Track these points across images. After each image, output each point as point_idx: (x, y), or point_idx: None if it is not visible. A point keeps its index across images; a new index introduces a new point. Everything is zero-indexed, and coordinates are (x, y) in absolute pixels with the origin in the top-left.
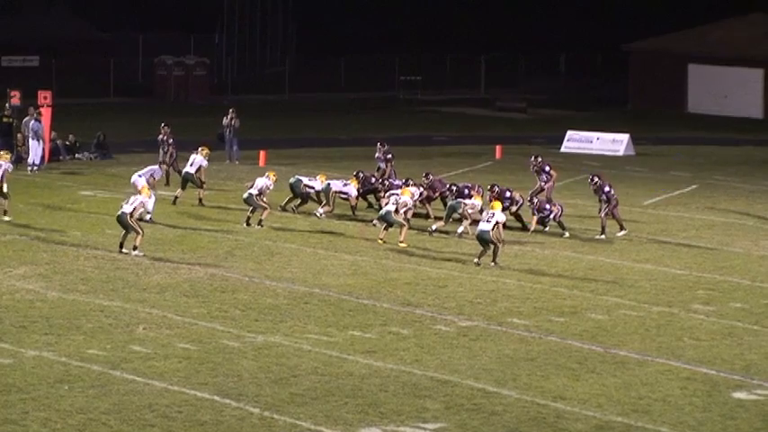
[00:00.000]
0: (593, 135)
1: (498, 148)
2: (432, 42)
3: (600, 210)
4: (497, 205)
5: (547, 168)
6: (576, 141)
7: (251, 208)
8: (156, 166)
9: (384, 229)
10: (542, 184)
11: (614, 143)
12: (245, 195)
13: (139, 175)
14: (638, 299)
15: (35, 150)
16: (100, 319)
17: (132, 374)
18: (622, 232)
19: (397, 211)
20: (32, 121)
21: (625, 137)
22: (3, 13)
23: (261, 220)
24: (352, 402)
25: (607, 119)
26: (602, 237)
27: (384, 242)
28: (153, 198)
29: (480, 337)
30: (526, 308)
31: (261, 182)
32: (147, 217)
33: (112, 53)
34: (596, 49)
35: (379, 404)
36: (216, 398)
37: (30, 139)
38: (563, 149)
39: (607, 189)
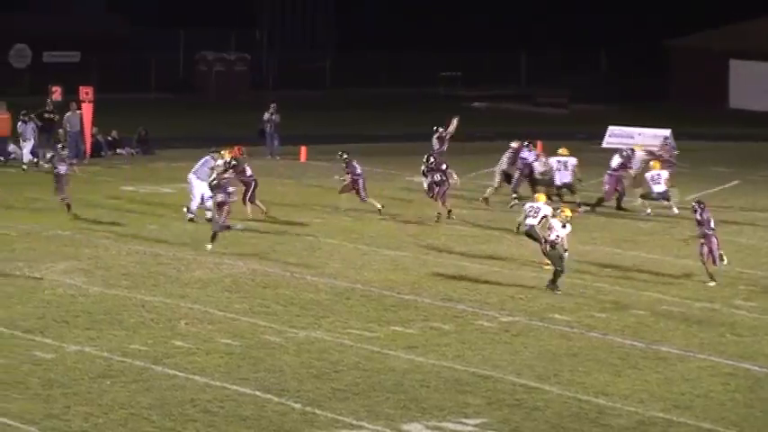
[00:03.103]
0: (635, 131)
1: (539, 144)
2: (472, 38)
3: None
4: (542, 197)
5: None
6: (618, 137)
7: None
8: (208, 156)
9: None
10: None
11: (655, 138)
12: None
13: (194, 173)
14: (679, 294)
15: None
16: (142, 314)
17: (174, 369)
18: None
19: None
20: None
21: (667, 132)
22: (44, 9)
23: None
24: (394, 398)
25: (648, 114)
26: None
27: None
28: (198, 197)
29: (522, 333)
30: (568, 303)
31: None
32: (189, 216)
33: (153, 49)
34: (638, 45)
35: (420, 399)
36: (258, 393)
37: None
38: (605, 145)
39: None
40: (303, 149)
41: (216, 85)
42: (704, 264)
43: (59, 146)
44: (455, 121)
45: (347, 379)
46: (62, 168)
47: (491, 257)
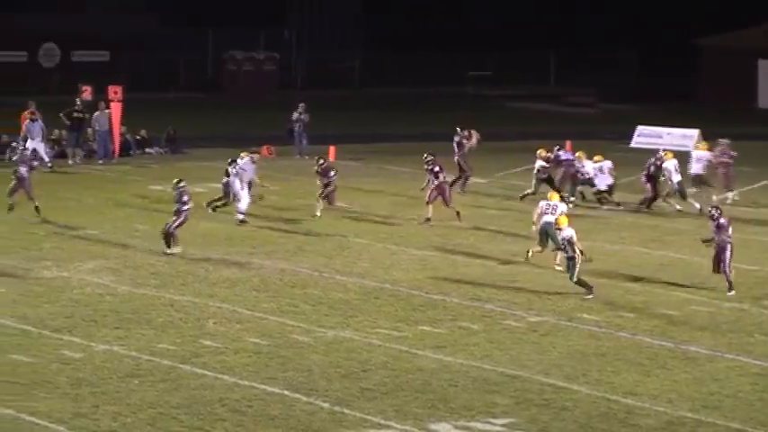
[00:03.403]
0: (664, 130)
1: (568, 143)
2: (501, 37)
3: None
4: (556, 196)
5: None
6: (647, 136)
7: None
8: (248, 158)
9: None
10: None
11: (684, 138)
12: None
13: (236, 175)
14: (708, 295)
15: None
16: (170, 313)
17: (202, 369)
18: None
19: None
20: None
21: (695, 132)
22: (73, 9)
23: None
24: (422, 397)
25: (677, 114)
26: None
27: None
28: (246, 198)
29: (550, 333)
30: (596, 303)
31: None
32: (241, 218)
33: (182, 48)
34: (667, 45)
35: (448, 399)
36: (286, 392)
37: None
38: (633, 144)
39: (724, 221)
40: (332, 149)
41: (244, 85)
42: (727, 273)
43: (21, 147)
44: (475, 137)
45: (375, 378)
46: (23, 170)
47: (519, 257)
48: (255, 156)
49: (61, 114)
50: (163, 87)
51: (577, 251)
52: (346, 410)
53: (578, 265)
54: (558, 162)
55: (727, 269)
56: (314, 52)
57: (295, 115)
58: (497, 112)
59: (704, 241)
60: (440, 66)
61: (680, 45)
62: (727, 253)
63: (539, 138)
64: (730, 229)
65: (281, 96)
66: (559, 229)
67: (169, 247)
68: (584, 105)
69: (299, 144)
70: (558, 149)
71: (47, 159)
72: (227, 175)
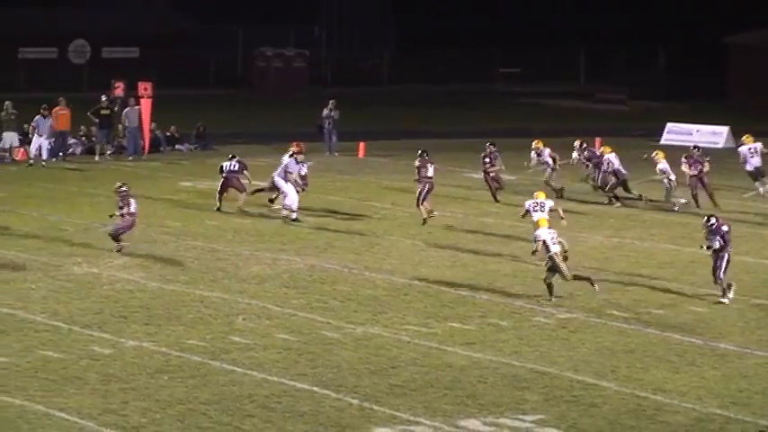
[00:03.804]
0: (693, 127)
1: (597, 140)
2: (531, 34)
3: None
4: (543, 194)
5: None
6: (676, 133)
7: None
8: (290, 159)
9: None
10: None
11: (714, 135)
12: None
13: (278, 176)
14: (737, 291)
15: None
16: (199, 309)
17: (232, 365)
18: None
19: None
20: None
21: (725, 129)
22: (103, 5)
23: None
24: (451, 394)
25: (707, 111)
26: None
27: None
28: (293, 194)
29: (579, 329)
30: (625, 300)
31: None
32: (293, 216)
33: (212, 45)
34: (697, 42)
35: (477, 396)
36: (315, 389)
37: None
38: (663, 141)
39: (726, 229)
40: (361, 145)
41: (274, 81)
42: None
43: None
44: (498, 165)
45: (405, 375)
46: None
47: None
48: (299, 155)
49: (89, 113)
50: (193, 84)
51: (554, 252)
52: (375, 407)
53: (559, 267)
54: (588, 160)
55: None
56: (343, 49)
57: (325, 112)
58: (527, 110)
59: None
60: (469, 63)
61: (711, 42)
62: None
63: (569, 134)
64: (725, 226)
65: (310, 93)
66: (543, 202)
67: (118, 243)
68: (615, 102)
69: (328, 141)
70: (583, 147)
71: (45, 157)
72: (221, 171)
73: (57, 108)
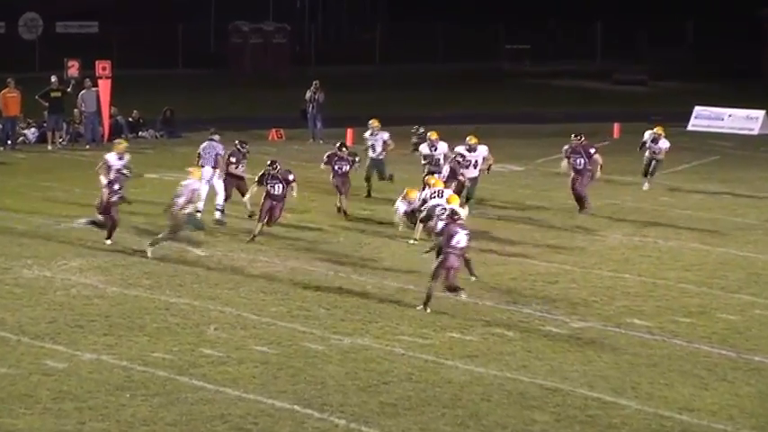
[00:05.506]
0: (725, 111)
1: (616, 125)
2: (542, 7)
3: None
4: (455, 199)
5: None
6: (705, 119)
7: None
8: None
9: None
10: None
11: (749, 120)
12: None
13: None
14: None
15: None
16: (166, 318)
17: (202, 381)
18: None
19: None
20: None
21: (761, 113)
22: None
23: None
24: (451, 413)
25: (740, 93)
26: None
27: None
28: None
29: (595, 341)
30: (648, 307)
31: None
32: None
33: (180, 18)
34: (728, 16)
35: (480, 415)
36: (296, 407)
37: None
38: (690, 128)
39: None
40: (350, 132)
41: (251, 60)
42: None
43: None
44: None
45: (398, 392)
46: None
47: (561, 255)
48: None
49: (37, 97)
50: (158, 63)
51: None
52: (364, 428)
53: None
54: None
55: None
56: (329, 23)
57: (308, 94)
58: (536, 91)
59: None
60: (472, 38)
61: (744, 16)
62: None
63: (585, 120)
64: None
65: (292, 73)
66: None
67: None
68: (636, 83)
69: (312, 127)
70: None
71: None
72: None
73: (5, 90)
